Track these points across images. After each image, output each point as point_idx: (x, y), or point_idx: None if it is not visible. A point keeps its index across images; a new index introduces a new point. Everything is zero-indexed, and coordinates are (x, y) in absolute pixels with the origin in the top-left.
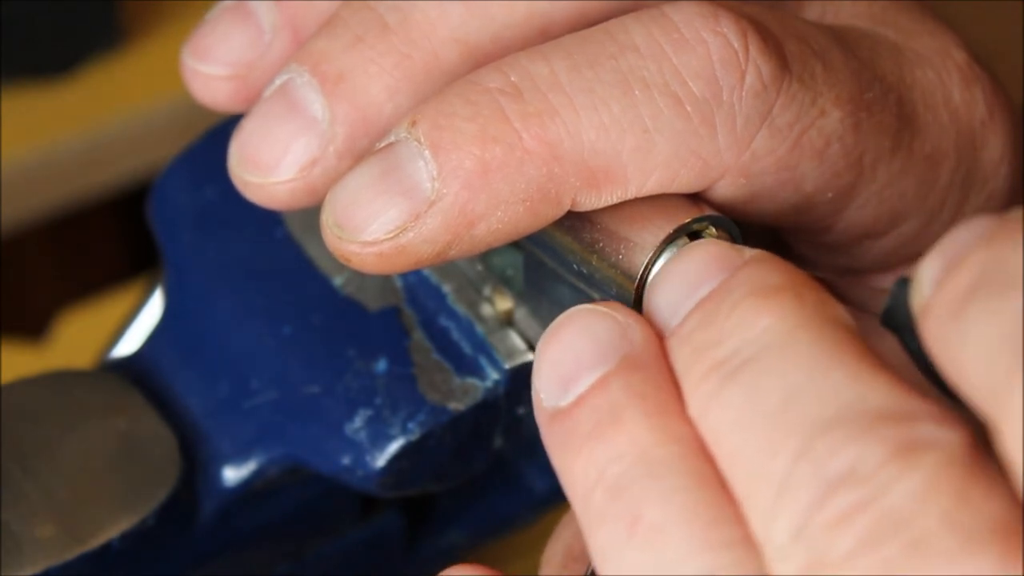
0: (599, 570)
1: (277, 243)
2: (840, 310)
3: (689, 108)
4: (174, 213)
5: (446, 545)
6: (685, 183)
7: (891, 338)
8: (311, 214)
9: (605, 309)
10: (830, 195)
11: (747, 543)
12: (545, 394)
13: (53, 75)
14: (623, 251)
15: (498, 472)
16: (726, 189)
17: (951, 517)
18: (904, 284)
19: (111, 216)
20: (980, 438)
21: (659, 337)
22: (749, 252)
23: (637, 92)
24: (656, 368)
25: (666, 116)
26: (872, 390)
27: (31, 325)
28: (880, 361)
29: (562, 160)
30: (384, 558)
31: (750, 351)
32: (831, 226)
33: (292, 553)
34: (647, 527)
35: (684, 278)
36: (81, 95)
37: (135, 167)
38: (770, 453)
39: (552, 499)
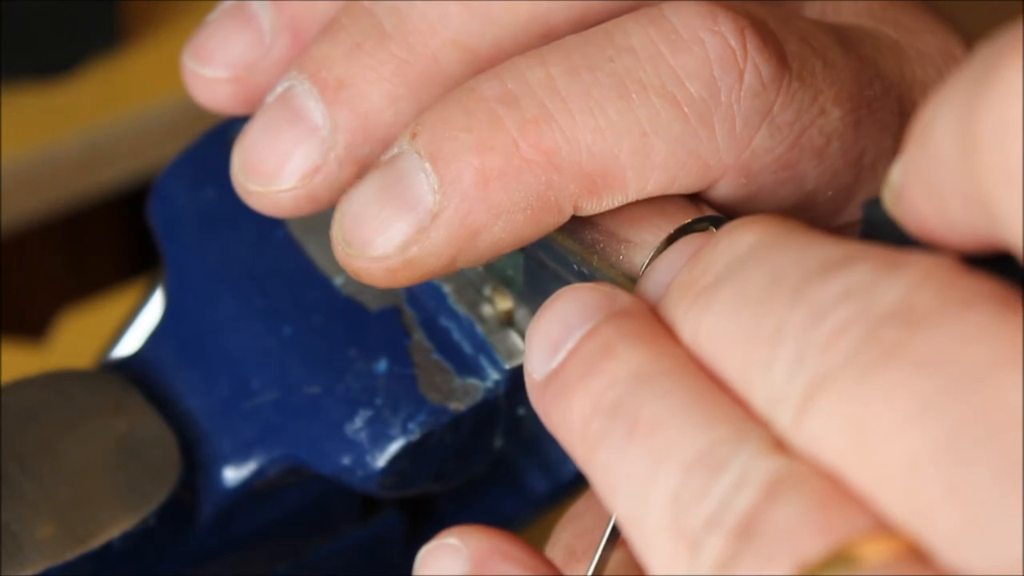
0: (606, 498)
1: (277, 243)
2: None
3: (687, 109)
4: (174, 213)
5: None
6: (685, 184)
7: None
8: (311, 215)
9: (591, 283)
10: (831, 193)
11: (748, 419)
12: (536, 365)
13: (53, 75)
14: (623, 252)
15: (498, 472)
16: (727, 189)
17: (945, 294)
18: (873, 203)
19: (111, 216)
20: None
21: (651, 306)
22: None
23: (634, 95)
24: (647, 316)
25: (663, 118)
26: (854, 250)
27: (31, 325)
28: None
29: (560, 167)
30: (384, 558)
31: (736, 263)
32: (832, 224)
33: (292, 553)
34: (645, 425)
35: (670, 259)
36: (81, 95)
37: (135, 167)
38: (760, 322)
39: (552, 499)
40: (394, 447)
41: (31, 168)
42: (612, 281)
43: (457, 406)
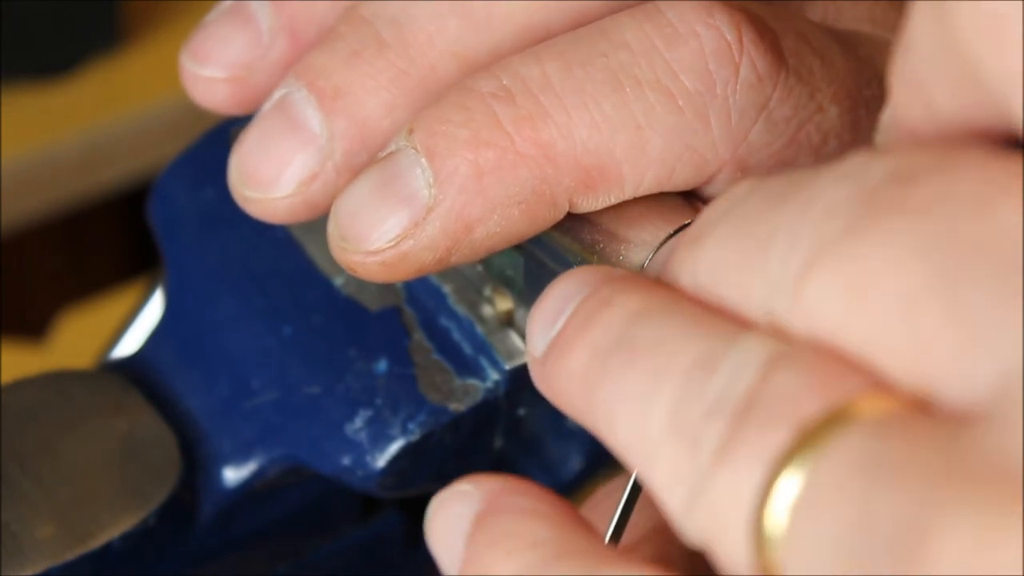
0: (606, 433)
1: (277, 243)
2: None
3: (682, 102)
4: (174, 213)
5: None
6: (682, 179)
7: None
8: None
9: (589, 265)
10: None
11: (747, 326)
12: (535, 343)
13: (53, 75)
14: (623, 252)
15: (498, 472)
16: (724, 184)
17: (936, 155)
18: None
19: (111, 216)
20: None
21: None
22: None
23: (628, 89)
24: (646, 278)
25: (658, 112)
26: (846, 155)
27: (31, 325)
28: None
29: (555, 161)
30: (384, 558)
31: (732, 207)
32: None
33: (292, 553)
34: (642, 350)
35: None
36: (81, 95)
37: (135, 167)
38: (755, 236)
39: None
40: (394, 447)
41: (31, 168)
42: None
43: (457, 406)
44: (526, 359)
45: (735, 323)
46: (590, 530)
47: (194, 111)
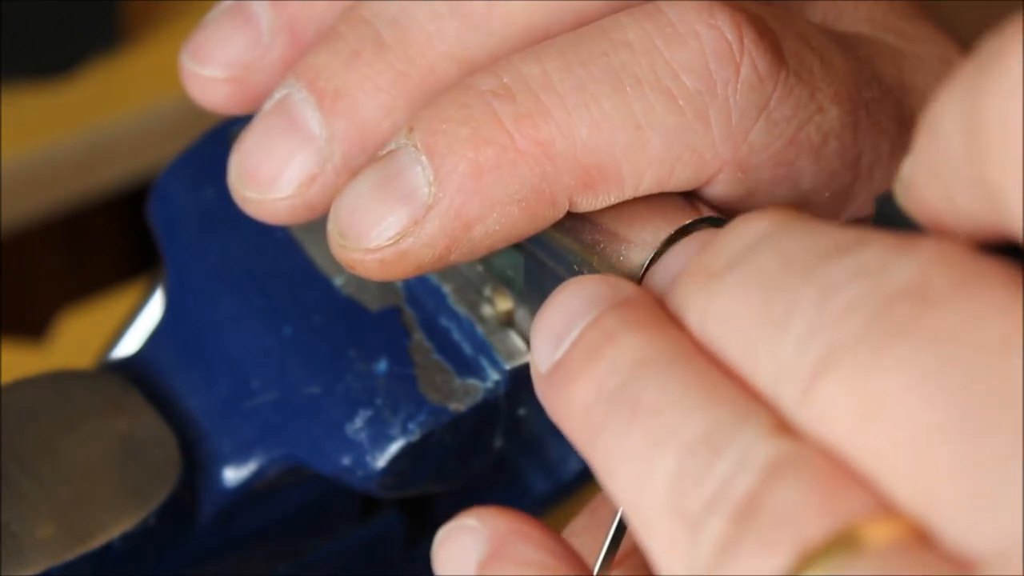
0: (606, 481)
1: (277, 243)
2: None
3: (682, 102)
4: (174, 213)
5: None
6: (682, 179)
7: None
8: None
9: (596, 275)
10: (827, 195)
11: (751, 400)
12: (541, 357)
13: (53, 75)
14: (623, 252)
15: (498, 472)
16: (724, 185)
17: (958, 275)
18: (886, 197)
19: (111, 216)
20: None
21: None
22: None
23: (629, 88)
24: (651, 304)
25: (658, 111)
26: (866, 234)
27: (31, 325)
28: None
29: (555, 159)
30: (384, 558)
31: (748, 250)
32: None
33: (292, 553)
34: (646, 409)
35: (680, 256)
36: (81, 95)
37: (135, 167)
38: (769, 304)
39: (552, 499)
40: (394, 447)
41: (31, 168)
42: None
43: (457, 406)
44: (528, 362)
45: (740, 394)
46: None
47: (194, 111)
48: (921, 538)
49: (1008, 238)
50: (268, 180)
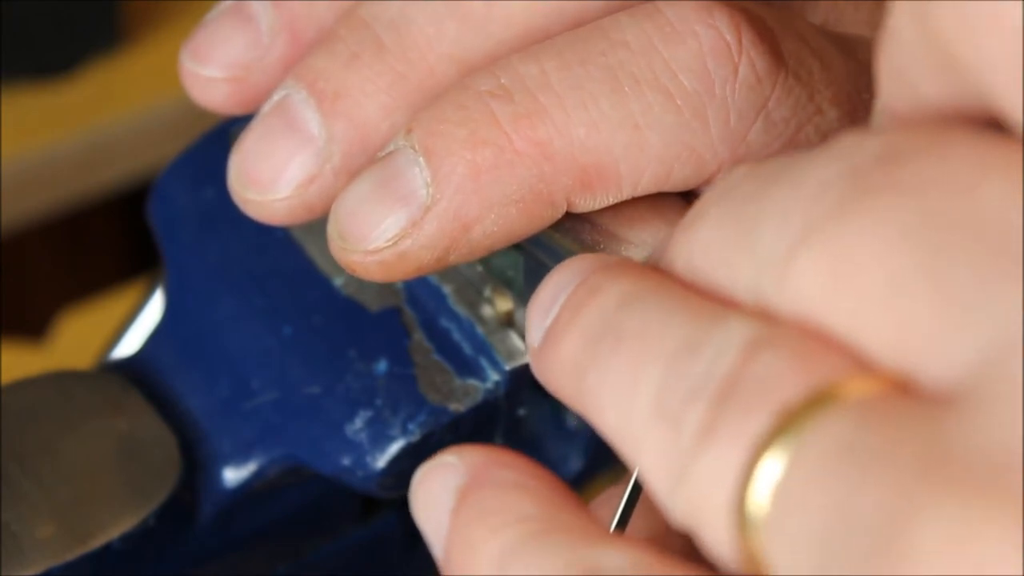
0: (595, 421)
1: (277, 243)
2: None
3: (680, 102)
4: (174, 213)
5: None
6: (681, 179)
7: None
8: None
9: (584, 254)
10: None
11: (732, 304)
12: (532, 335)
13: (53, 75)
14: (623, 252)
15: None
16: None
17: (927, 134)
18: None
19: (111, 216)
20: None
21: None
22: None
23: (627, 88)
24: (635, 266)
25: (656, 111)
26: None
27: (31, 325)
28: None
29: (552, 159)
30: (384, 558)
31: (725, 190)
32: None
33: (292, 553)
34: (629, 336)
35: None
36: (81, 95)
37: (135, 167)
38: (746, 214)
39: None
40: (394, 447)
41: (31, 168)
42: None
43: (457, 407)
44: (527, 356)
45: (722, 305)
46: (578, 505)
47: (194, 111)
48: (900, 387)
49: (977, 117)
50: (268, 181)
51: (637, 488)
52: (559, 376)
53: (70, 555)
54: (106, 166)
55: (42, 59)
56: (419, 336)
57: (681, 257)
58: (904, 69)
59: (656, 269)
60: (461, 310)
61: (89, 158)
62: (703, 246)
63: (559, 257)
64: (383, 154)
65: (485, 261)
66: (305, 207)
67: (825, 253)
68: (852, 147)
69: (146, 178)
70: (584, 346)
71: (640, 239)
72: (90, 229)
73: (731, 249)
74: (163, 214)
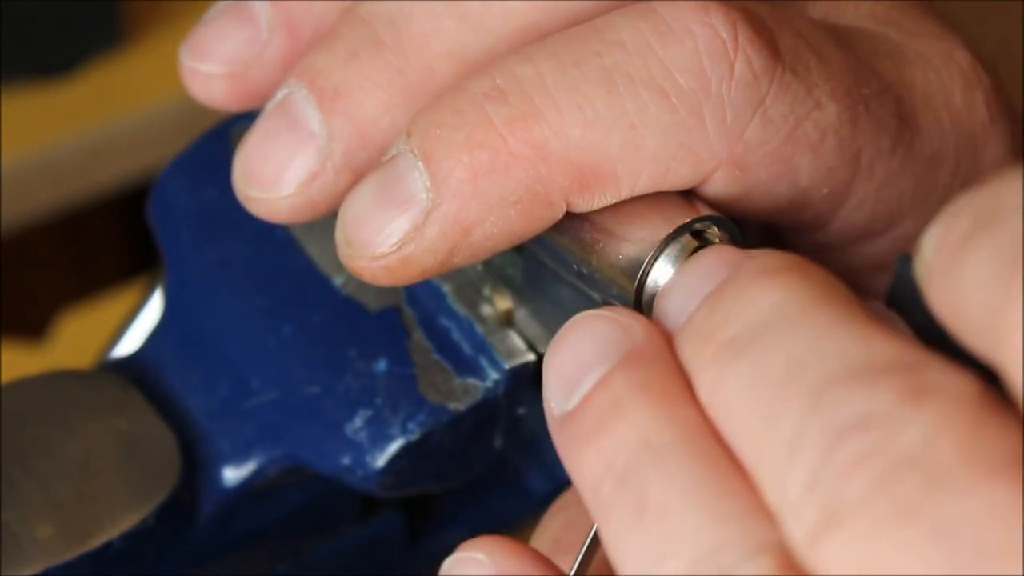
0: (615, 562)
1: (277, 243)
2: (846, 287)
3: (676, 101)
4: (174, 213)
5: (446, 545)
6: (679, 178)
7: (899, 320)
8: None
9: (607, 313)
10: (826, 191)
11: (758, 513)
12: (554, 402)
13: (53, 75)
14: (623, 251)
15: (498, 472)
16: (721, 183)
17: (965, 451)
18: (906, 260)
19: (111, 216)
20: (992, 388)
21: (666, 337)
22: (756, 252)
23: (622, 88)
24: (660, 361)
25: (652, 110)
26: (879, 347)
27: (31, 325)
28: (887, 325)
29: (549, 160)
30: (384, 558)
31: (758, 328)
32: (827, 224)
33: (292, 553)
34: (653, 509)
35: (691, 280)
36: (81, 95)
37: (135, 167)
38: (779, 416)
39: (552, 499)
40: (394, 447)
41: (31, 168)
42: (612, 281)
43: (457, 406)
44: (527, 361)
45: (746, 500)
46: None
47: (194, 111)
48: None
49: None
50: (271, 179)
51: (595, 541)
52: (579, 480)
53: (70, 555)
54: (106, 166)
55: (42, 59)
56: (419, 335)
57: (705, 385)
58: (960, 310)
59: (676, 391)
60: (461, 309)
61: (89, 158)
62: (728, 403)
63: (559, 256)
64: (385, 158)
65: (485, 260)
66: (308, 204)
67: (856, 553)
68: (891, 419)
69: (146, 178)
70: (605, 476)
71: (639, 237)
72: (90, 229)
73: (758, 444)
74: (163, 214)
